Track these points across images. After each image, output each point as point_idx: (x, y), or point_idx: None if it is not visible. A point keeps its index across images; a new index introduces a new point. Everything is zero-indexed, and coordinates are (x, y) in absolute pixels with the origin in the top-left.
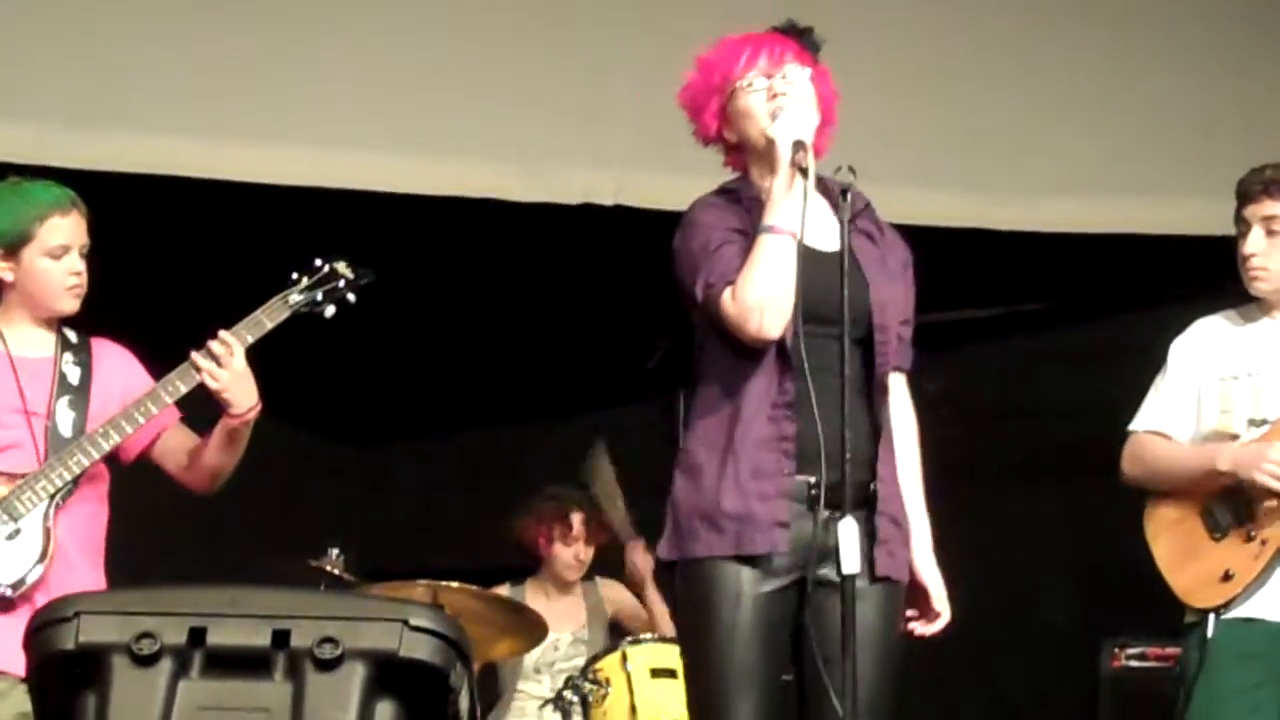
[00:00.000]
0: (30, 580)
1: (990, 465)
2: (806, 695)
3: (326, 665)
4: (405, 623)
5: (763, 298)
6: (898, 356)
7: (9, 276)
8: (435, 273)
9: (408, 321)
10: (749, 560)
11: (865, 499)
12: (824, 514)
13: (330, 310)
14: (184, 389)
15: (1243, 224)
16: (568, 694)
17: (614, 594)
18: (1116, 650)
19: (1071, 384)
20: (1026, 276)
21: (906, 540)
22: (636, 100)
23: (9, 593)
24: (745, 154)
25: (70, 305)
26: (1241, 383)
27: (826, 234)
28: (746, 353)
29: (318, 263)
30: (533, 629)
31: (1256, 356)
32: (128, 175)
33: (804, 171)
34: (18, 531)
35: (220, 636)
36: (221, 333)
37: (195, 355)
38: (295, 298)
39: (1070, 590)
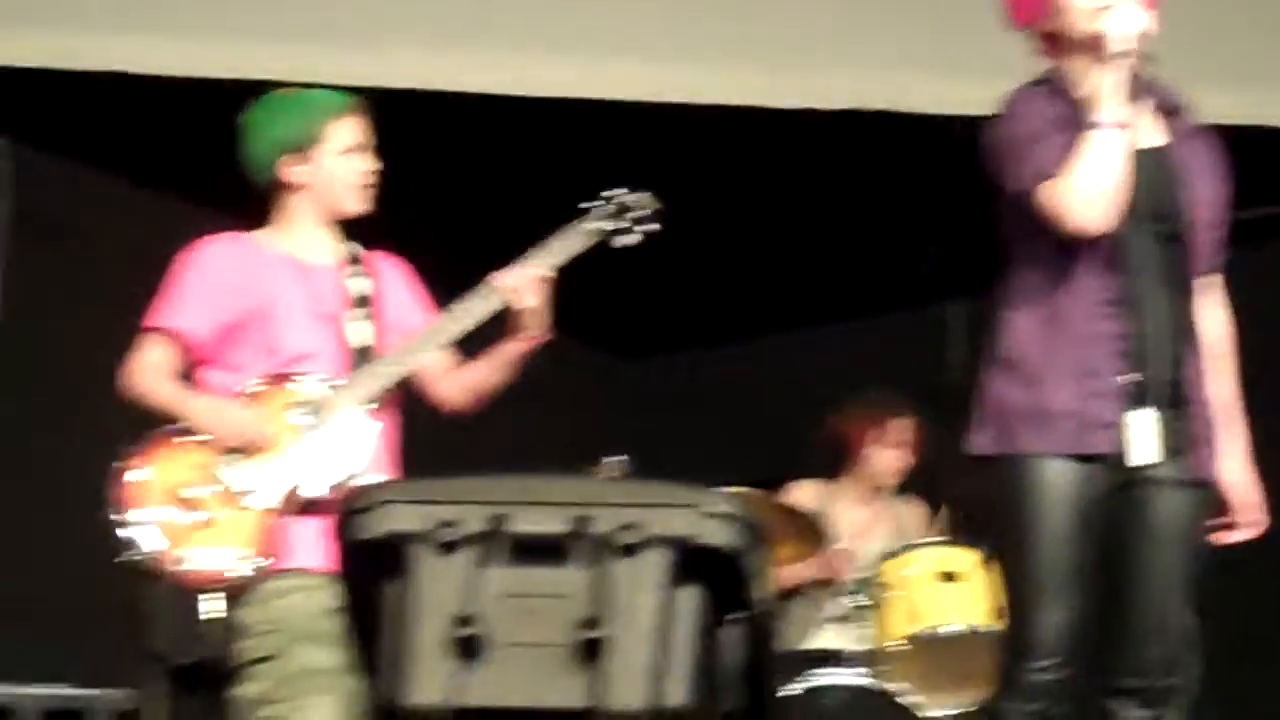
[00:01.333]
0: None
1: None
2: (1113, 591)
3: (627, 551)
4: (703, 509)
5: (1092, 192)
6: (1213, 256)
7: (301, 178)
8: (699, 184)
9: (674, 233)
10: (1076, 459)
11: (1179, 398)
12: (1144, 413)
13: (623, 241)
14: (482, 312)
15: None
16: (846, 600)
17: (918, 516)
18: None
19: None
20: None
21: (1218, 442)
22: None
23: (318, 498)
24: (1061, 45)
25: (363, 204)
26: None
27: (1147, 131)
28: (1069, 247)
29: (610, 193)
30: (811, 533)
31: None
32: (396, 90)
33: (1139, 66)
34: (328, 439)
35: (521, 524)
36: (523, 260)
37: (495, 279)
38: (590, 226)
39: None
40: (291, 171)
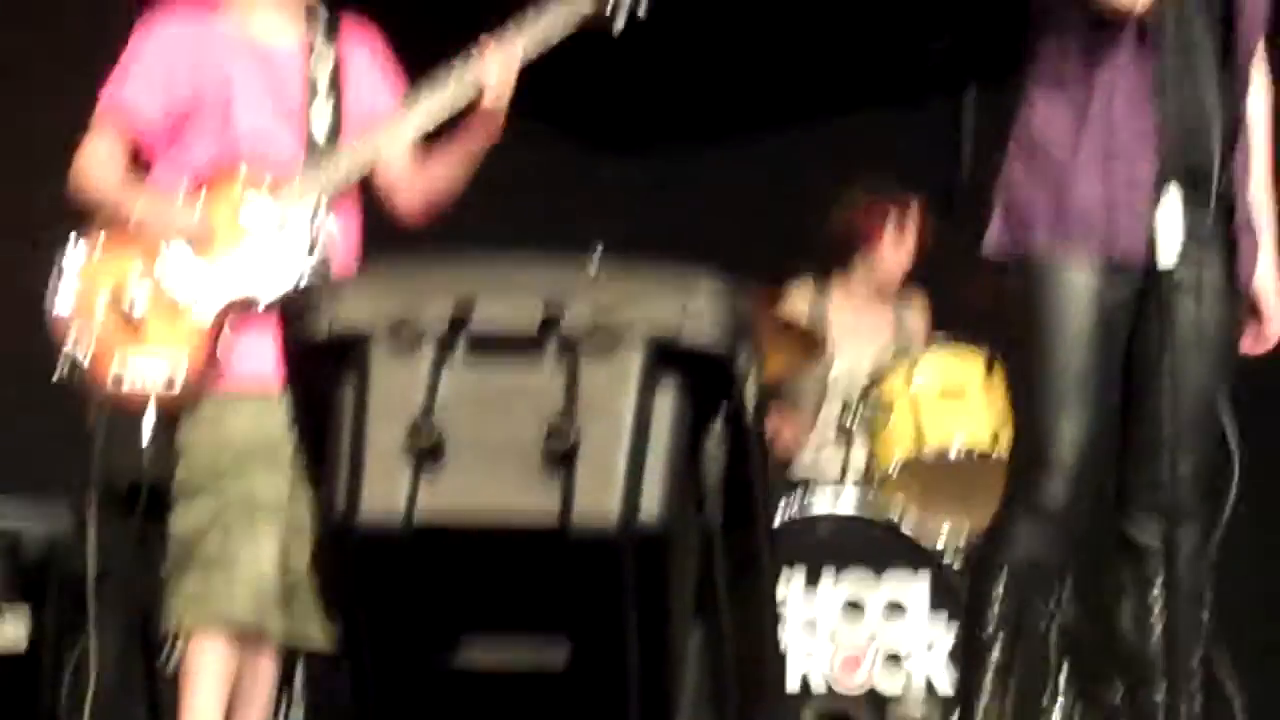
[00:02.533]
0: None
1: None
2: (1130, 403)
3: (602, 348)
4: (687, 302)
5: None
6: (1259, 29)
7: None
8: None
9: (665, 16)
10: (1100, 259)
11: (1221, 196)
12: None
13: (620, 24)
14: (460, 94)
15: None
16: (847, 419)
17: (921, 318)
18: None
19: None
20: None
21: (1258, 246)
22: None
23: (270, 307)
24: None
25: None
26: None
27: None
28: (1101, 26)
29: None
30: (806, 345)
31: None
32: None
33: None
34: (280, 240)
35: (485, 319)
36: (507, 36)
37: (475, 60)
38: (584, 8)
39: None
40: None
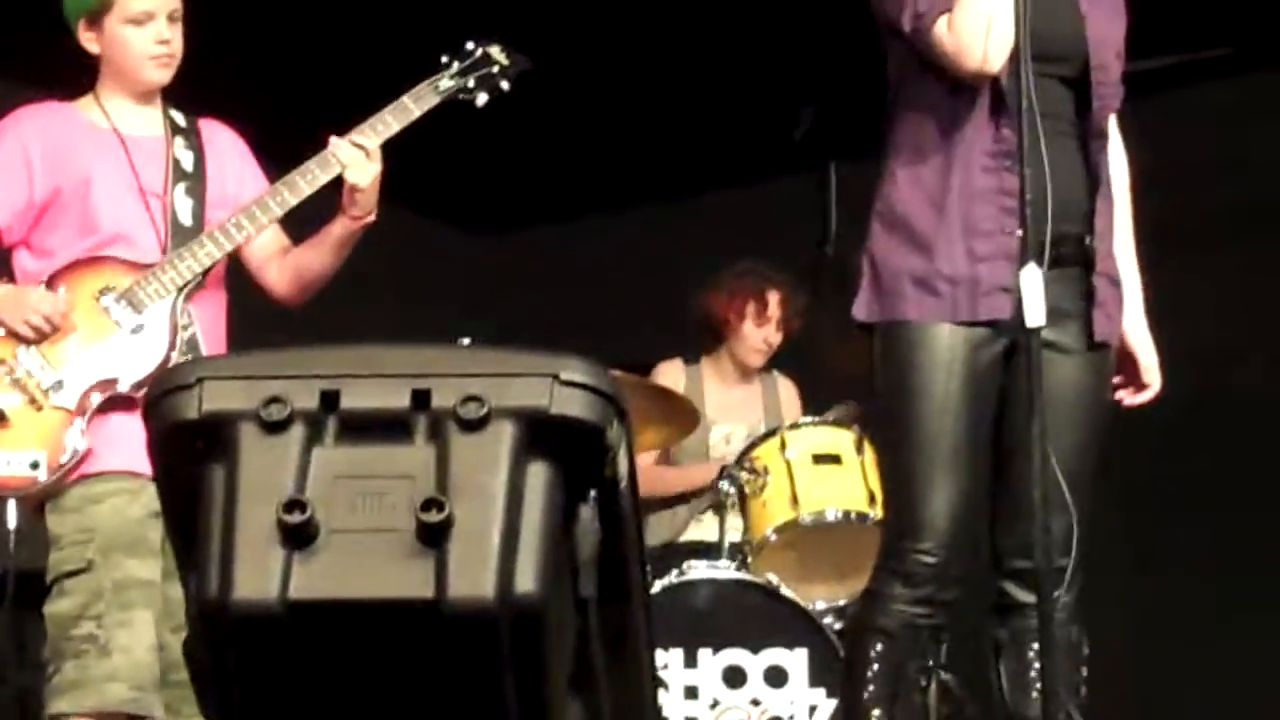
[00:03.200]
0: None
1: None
2: (1001, 465)
3: (472, 426)
4: (556, 377)
5: (982, 26)
6: (1115, 98)
7: (95, 48)
8: (560, 44)
9: (535, 95)
10: (967, 325)
11: (1082, 256)
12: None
13: (483, 99)
14: (323, 179)
15: None
16: (724, 485)
17: (791, 395)
18: None
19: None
20: (1203, 19)
21: (1122, 302)
22: None
23: (134, 392)
24: None
25: (158, 76)
26: None
27: None
28: (959, 93)
29: (470, 46)
30: (683, 416)
31: None
32: None
33: None
34: (141, 326)
35: (355, 398)
36: (361, 127)
37: (335, 144)
38: (446, 84)
39: (1267, 360)
40: (86, 39)
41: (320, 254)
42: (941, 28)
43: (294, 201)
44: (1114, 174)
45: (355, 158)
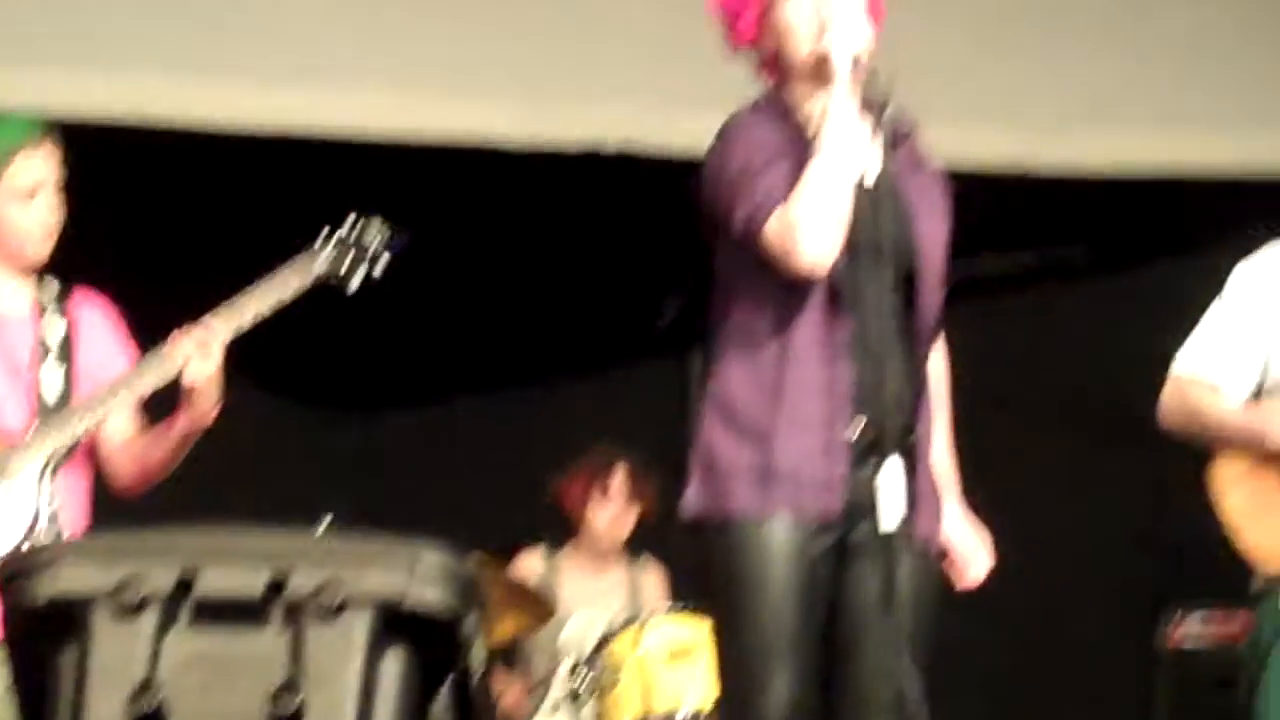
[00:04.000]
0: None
1: (1020, 419)
2: (832, 663)
3: (327, 613)
4: (414, 565)
5: (815, 226)
6: (939, 296)
7: None
8: (427, 228)
9: (398, 279)
10: (797, 520)
11: (908, 451)
12: (870, 465)
13: (356, 282)
14: (166, 370)
15: None
16: (575, 681)
17: (655, 582)
18: (1177, 618)
19: (1114, 337)
20: (1064, 221)
21: (942, 496)
22: (644, 40)
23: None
24: (782, 67)
25: (45, 250)
26: None
27: (872, 160)
28: (791, 288)
29: (344, 228)
30: (535, 607)
31: None
32: (105, 120)
33: (872, 85)
34: (10, 498)
35: (211, 583)
36: (207, 320)
37: (176, 339)
38: (319, 264)
39: (1121, 559)
40: None
41: (161, 446)
42: (772, 227)
43: (147, 389)
44: (933, 374)
45: (193, 354)
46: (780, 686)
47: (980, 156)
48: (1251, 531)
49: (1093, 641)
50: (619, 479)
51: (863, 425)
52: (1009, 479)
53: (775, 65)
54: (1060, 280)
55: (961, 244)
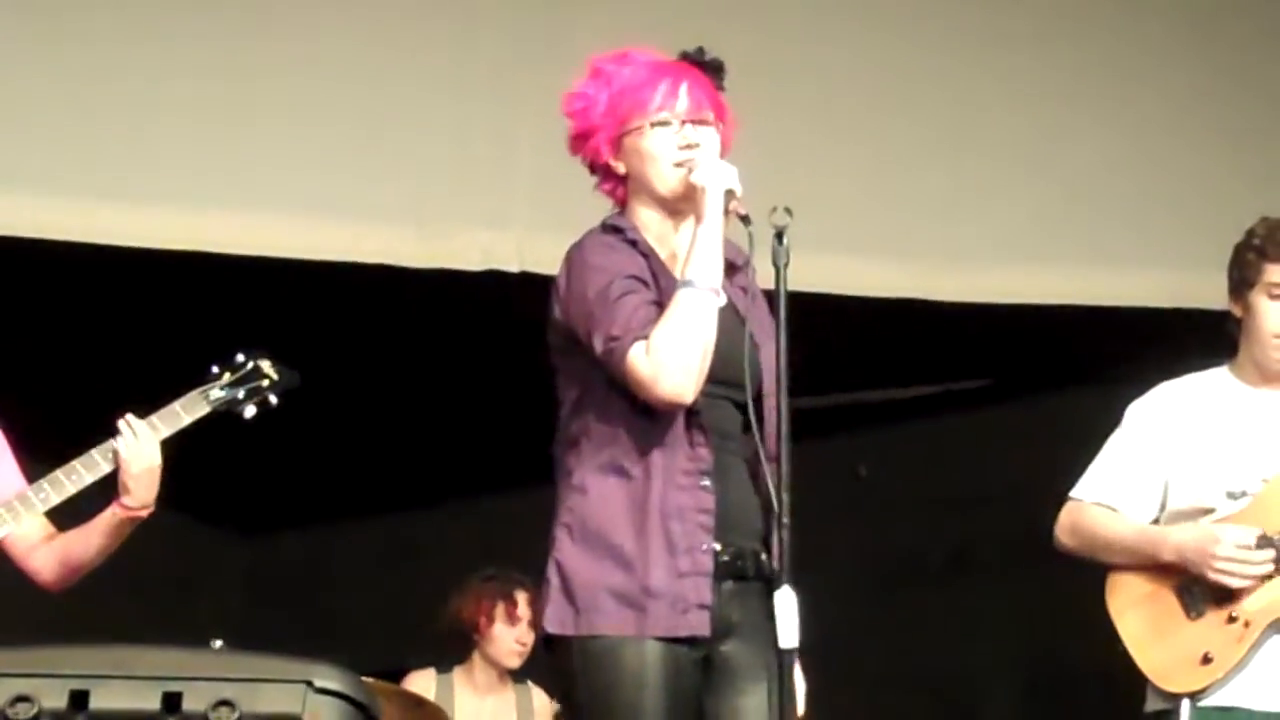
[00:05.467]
0: None
1: (925, 555)
2: None
3: None
4: (309, 684)
5: (683, 357)
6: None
7: None
8: (323, 346)
9: (295, 398)
10: (664, 641)
11: (759, 571)
12: (728, 586)
13: (250, 411)
14: (89, 480)
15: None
16: None
17: (545, 706)
18: None
19: (1013, 466)
20: (961, 352)
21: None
22: (538, 161)
23: None
24: (630, 187)
25: None
26: (1217, 450)
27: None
28: (652, 414)
29: (240, 359)
30: None
31: (1238, 422)
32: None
33: (745, 220)
34: None
35: (105, 700)
36: (133, 419)
37: (116, 442)
38: (216, 394)
39: (1015, 690)
40: None
41: (88, 541)
42: (638, 353)
43: (57, 499)
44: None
45: (124, 453)
46: None
47: (878, 287)
48: (1150, 653)
49: None
50: (524, 601)
51: (721, 548)
52: (911, 606)
53: (621, 187)
54: (963, 408)
55: (849, 374)
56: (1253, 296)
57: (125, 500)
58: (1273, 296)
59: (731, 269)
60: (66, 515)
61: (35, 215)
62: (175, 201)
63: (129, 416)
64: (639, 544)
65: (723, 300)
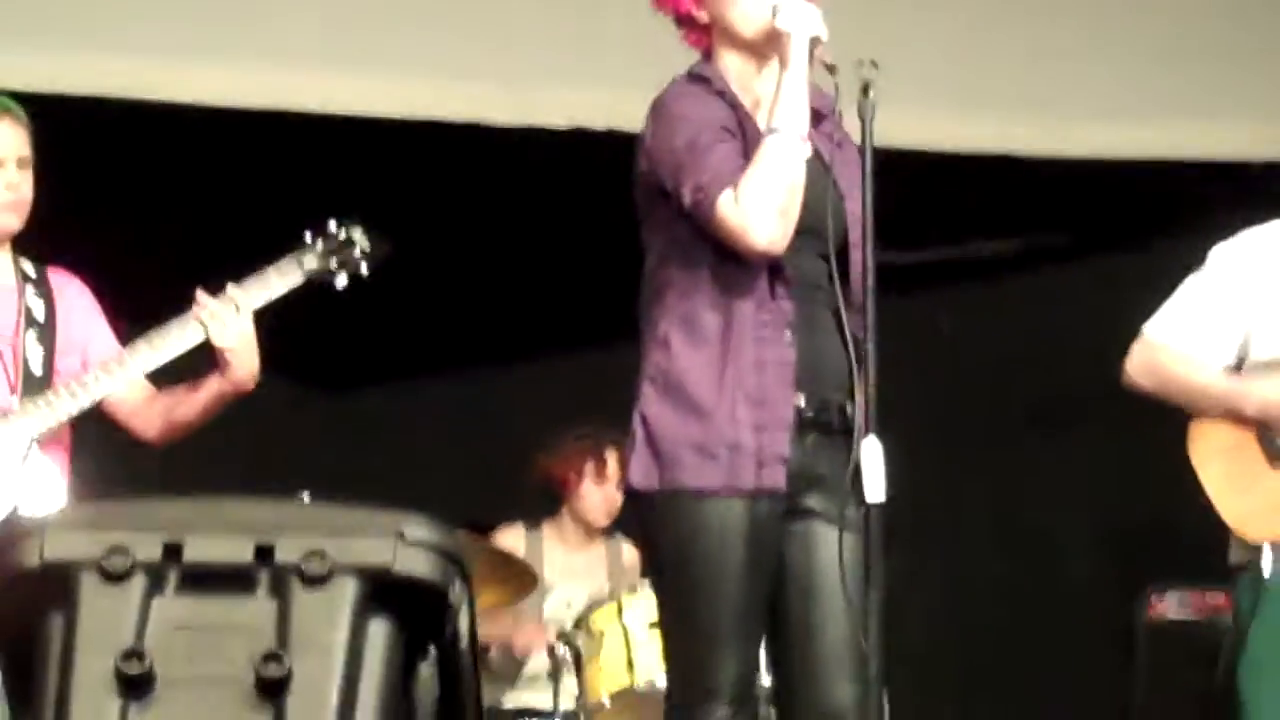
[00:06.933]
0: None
1: (1009, 409)
2: (789, 635)
3: (314, 581)
4: (400, 535)
5: (773, 206)
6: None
7: None
8: (410, 205)
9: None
10: (746, 495)
11: (845, 424)
12: (812, 438)
13: (343, 281)
14: (184, 343)
15: None
16: (560, 650)
17: (633, 558)
18: (1154, 598)
19: (1097, 322)
20: (1046, 206)
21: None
22: (627, 18)
23: None
24: (717, 38)
25: (7, 221)
26: None
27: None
28: (735, 265)
29: (334, 228)
30: (520, 578)
31: None
32: (81, 97)
33: (831, 69)
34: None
35: (198, 551)
36: (230, 289)
37: (198, 307)
38: (310, 262)
39: (1099, 543)
40: None
41: (192, 406)
42: (727, 202)
43: (155, 361)
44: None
45: (218, 316)
46: (731, 662)
47: (963, 141)
48: (1232, 502)
49: (1074, 621)
50: (613, 460)
51: (805, 400)
52: (996, 462)
53: (705, 36)
54: (1045, 264)
55: (936, 229)
56: None
57: (228, 374)
58: None
59: (818, 117)
60: (172, 376)
61: (124, 76)
62: (264, 59)
63: (205, 298)
64: (719, 397)
65: (809, 149)
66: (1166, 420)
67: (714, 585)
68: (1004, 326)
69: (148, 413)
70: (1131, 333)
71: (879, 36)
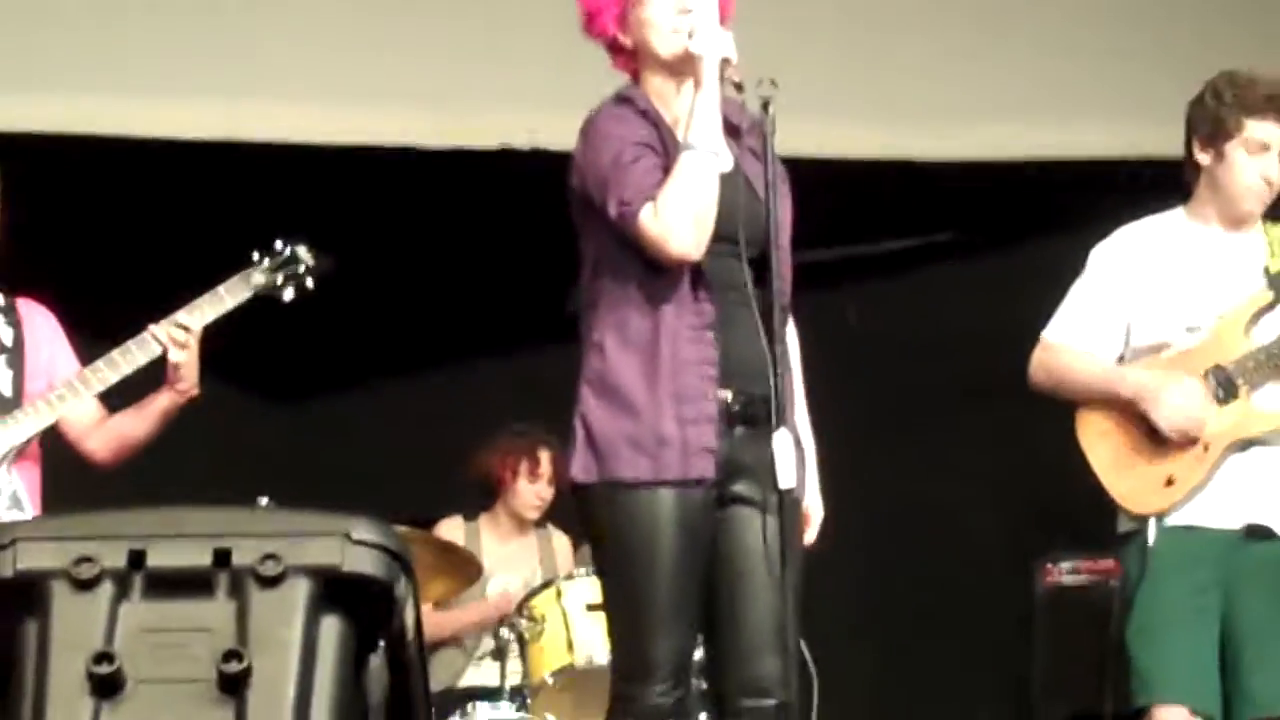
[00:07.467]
0: None
1: (913, 396)
2: (719, 613)
3: (269, 582)
4: (347, 536)
5: (688, 217)
6: (789, 274)
7: None
8: (353, 225)
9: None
10: (676, 484)
11: (767, 416)
12: (739, 431)
13: (289, 294)
14: (142, 360)
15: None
16: (504, 632)
17: (564, 547)
18: (1049, 567)
19: (993, 312)
20: (937, 206)
21: (805, 459)
22: (550, 40)
23: None
24: (641, 61)
25: None
26: (1175, 288)
27: (725, 152)
28: (660, 272)
29: (280, 245)
30: (465, 568)
31: (1194, 261)
32: (42, 136)
33: (739, 87)
34: None
35: (161, 557)
36: (182, 311)
37: (155, 328)
38: (257, 278)
39: (998, 516)
40: None
41: (141, 422)
42: (647, 215)
43: (113, 378)
44: (790, 347)
45: (176, 338)
46: (669, 641)
47: (860, 148)
48: (1119, 482)
49: (980, 591)
50: (546, 459)
51: (731, 396)
52: (898, 446)
53: (630, 60)
54: (931, 263)
55: (838, 231)
56: (1229, 148)
57: (176, 385)
58: (1251, 150)
59: (737, 131)
60: (116, 399)
61: (70, 112)
62: (202, 94)
63: (153, 328)
64: (650, 395)
65: (726, 161)
66: (1057, 405)
67: (650, 569)
68: (905, 317)
69: (100, 435)
70: (1019, 321)
71: (787, 56)
